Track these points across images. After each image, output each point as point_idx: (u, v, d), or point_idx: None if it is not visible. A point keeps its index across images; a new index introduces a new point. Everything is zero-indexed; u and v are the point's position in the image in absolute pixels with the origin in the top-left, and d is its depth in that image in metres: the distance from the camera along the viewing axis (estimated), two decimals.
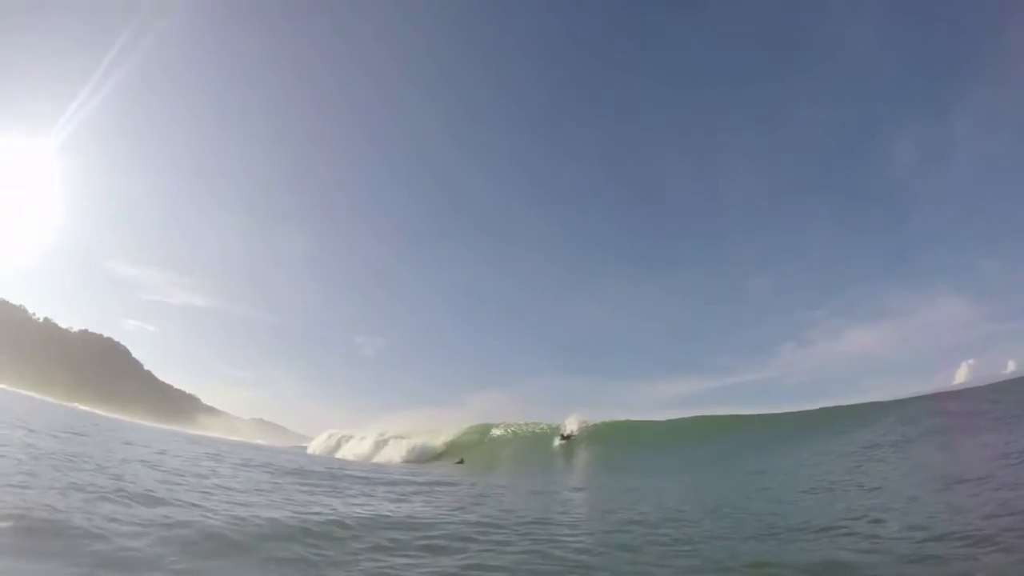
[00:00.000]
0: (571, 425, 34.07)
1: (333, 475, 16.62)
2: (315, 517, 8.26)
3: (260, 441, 67.47)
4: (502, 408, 36.42)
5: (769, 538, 7.74)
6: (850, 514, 8.76)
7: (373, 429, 41.88)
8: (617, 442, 30.43)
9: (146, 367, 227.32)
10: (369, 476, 18.04)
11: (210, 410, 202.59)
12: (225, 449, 23.26)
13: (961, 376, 38.48)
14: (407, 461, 34.38)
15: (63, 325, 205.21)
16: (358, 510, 9.85)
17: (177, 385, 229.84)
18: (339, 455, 39.10)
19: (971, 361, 43.34)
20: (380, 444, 38.80)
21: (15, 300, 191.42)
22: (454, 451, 35.82)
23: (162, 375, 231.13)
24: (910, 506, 9.12)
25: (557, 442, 33.30)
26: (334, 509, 9.64)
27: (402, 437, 39.09)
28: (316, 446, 43.25)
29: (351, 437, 41.67)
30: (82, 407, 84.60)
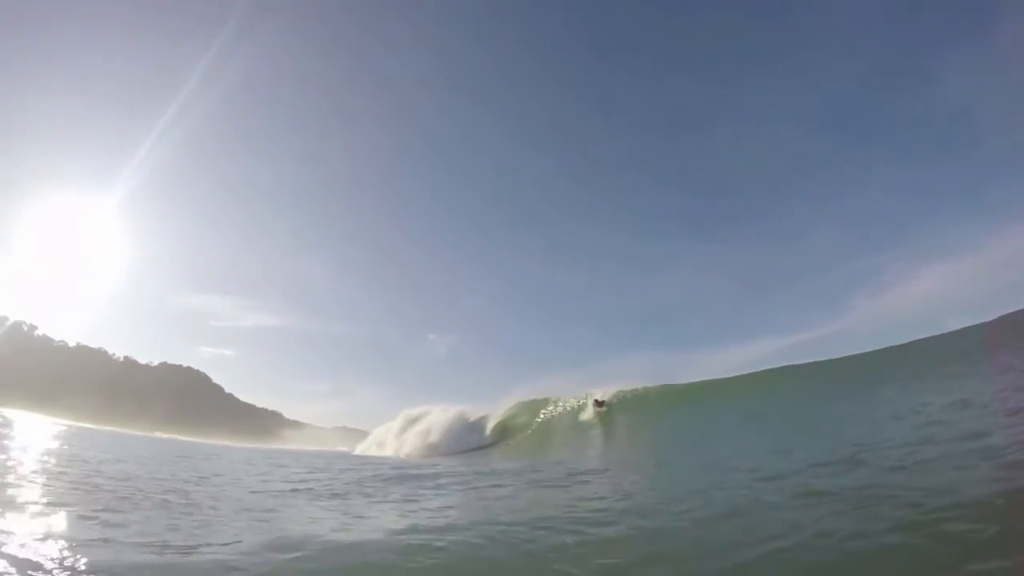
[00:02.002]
0: (603, 392, 30.46)
1: (439, 475, 15.89)
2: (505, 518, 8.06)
3: (342, 448, 68.12)
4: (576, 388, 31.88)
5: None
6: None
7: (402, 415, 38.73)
8: (662, 408, 27.33)
9: (227, 390, 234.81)
10: (458, 471, 17.27)
11: (294, 424, 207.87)
12: (321, 462, 23.62)
13: None
14: (449, 448, 31.85)
15: (143, 361, 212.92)
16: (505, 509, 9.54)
17: (259, 404, 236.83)
18: (377, 451, 37.35)
19: None
20: (408, 432, 35.95)
21: (94, 344, 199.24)
22: (504, 430, 32.97)
23: (243, 396, 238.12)
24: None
25: (591, 411, 29.61)
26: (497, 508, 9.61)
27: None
28: (365, 446, 41.29)
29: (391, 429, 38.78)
30: (181, 437, 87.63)
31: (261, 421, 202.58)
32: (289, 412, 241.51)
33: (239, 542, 6.67)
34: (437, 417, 35.49)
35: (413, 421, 37.04)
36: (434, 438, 33.43)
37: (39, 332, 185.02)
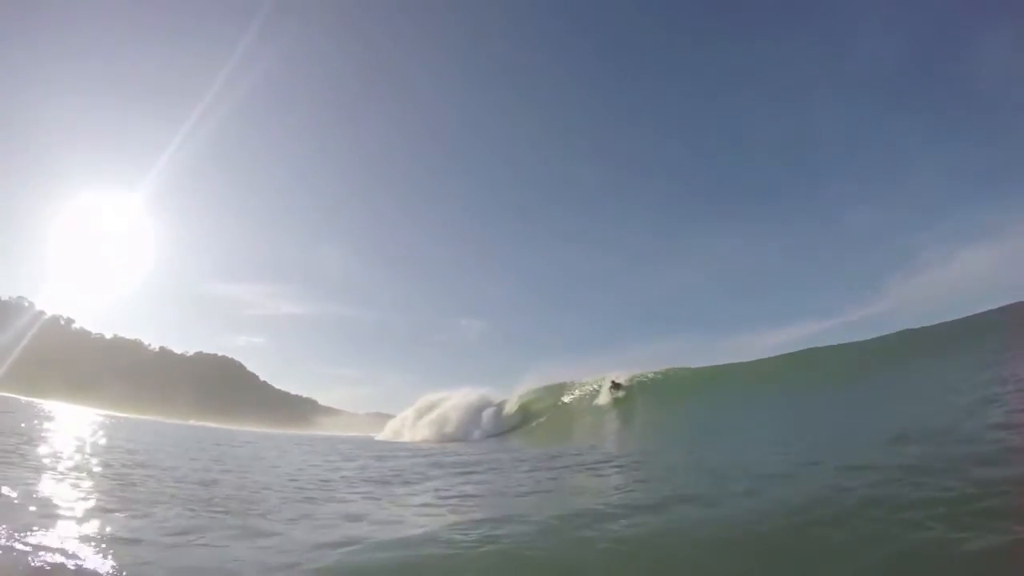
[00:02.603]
0: (619, 375, 29.24)
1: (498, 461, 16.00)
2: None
3: (373, 434, 67.80)
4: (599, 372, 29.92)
5: None
6: None
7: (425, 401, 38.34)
8: (692, 390, 25.96)
9: (262, 378, 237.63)
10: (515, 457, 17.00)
11: (328, 410, 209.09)
12: (354, 449, 24.33)
13: None
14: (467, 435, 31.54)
15: (178, 351, 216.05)
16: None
17: (293, 391, 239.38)
18: (393, 438, 36.68)
19: None
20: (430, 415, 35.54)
21: (129, 335, 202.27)
22: (527, 415, 32.19)
23: (278, 384, 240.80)
24: None
25: (608, 394, 28.10)
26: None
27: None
28: (384, 435, 40.65)
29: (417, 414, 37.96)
30: (217, 425, 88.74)
31: (296, 408, 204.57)
32: (323, 399, 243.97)
33: (286, 534, 6.69)
34: (457, 402, 35.30)
35: (428, 409, 36.74)
36: (453, 425, 33.21)
37: (76, 326, 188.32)
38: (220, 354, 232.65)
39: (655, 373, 29.19)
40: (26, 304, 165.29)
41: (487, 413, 33.42)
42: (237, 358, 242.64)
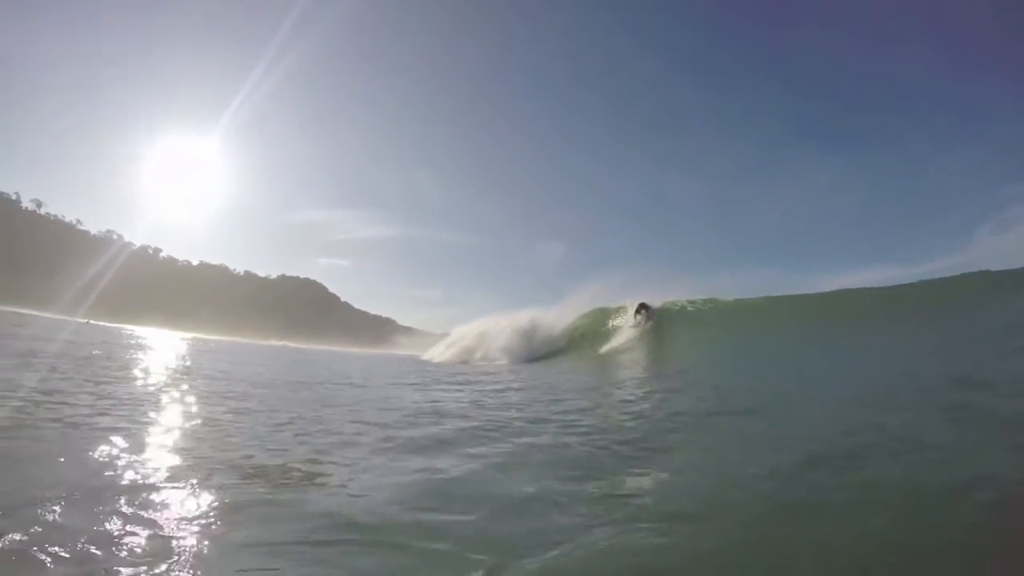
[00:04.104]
0: (652, 300, 25.99)
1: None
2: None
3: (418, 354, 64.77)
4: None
5: None
6: None
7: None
8: (718, 323, 22.63)
9: (343, 299, 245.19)
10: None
11: (407, 330, 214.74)
12: (433, 371, 22.48)
13: None
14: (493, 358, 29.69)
15: (262, 274, 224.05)
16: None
17: (373, 312, 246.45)
18: (444, 357, 34.51)
19: None
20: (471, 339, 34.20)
21: (215, 261, 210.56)
22: (575, 338, 29.61)
23: (358, 304, 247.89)
24: None
25: (633, 319, 25.24)
26: None
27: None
28: (434, 353, 38.69)
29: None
30: (301, 345, 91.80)
31: (375, 328, 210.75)
32: (403, 319, 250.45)
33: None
34: (490, 328, 33.99)
35: (464, 336, 35.75)
36: (484, 349, 32.09)
37: (164, 254, 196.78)
38: (303, 276, 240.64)
39: (689, 302, 26.16)
40: (115, 237, 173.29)
41: (522, 337, 31.37)
42: (320, 280, 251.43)
